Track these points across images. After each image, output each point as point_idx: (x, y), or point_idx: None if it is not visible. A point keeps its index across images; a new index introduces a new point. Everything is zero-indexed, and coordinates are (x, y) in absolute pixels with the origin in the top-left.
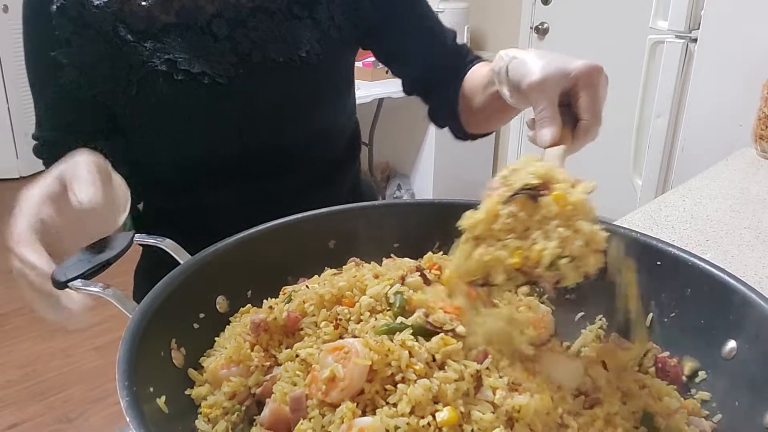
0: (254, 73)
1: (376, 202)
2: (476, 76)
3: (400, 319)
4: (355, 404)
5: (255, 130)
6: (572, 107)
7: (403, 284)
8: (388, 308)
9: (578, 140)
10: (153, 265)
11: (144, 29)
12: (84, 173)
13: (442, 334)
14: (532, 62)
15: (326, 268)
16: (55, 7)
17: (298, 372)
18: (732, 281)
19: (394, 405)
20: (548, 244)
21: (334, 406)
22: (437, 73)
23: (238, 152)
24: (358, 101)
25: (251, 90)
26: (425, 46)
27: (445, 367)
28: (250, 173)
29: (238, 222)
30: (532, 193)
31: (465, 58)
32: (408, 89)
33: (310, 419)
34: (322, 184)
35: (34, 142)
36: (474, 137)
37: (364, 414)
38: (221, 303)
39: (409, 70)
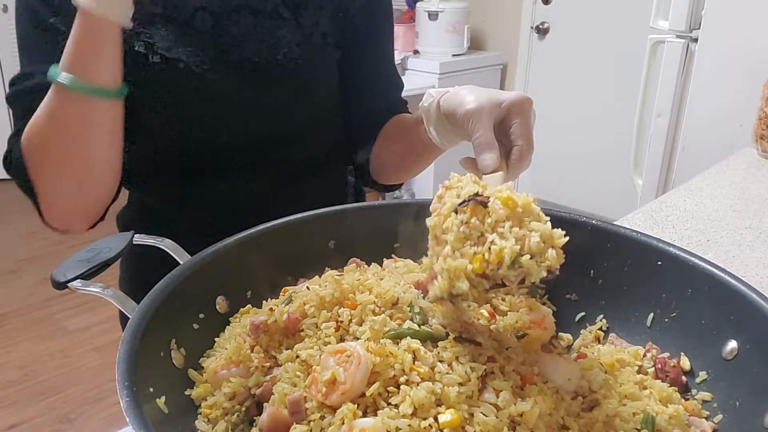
0: (230, 69)
1: (375, 202)
2: (399, 120)
3: (408, 323)
4: (356, 405)
5: (227, 125)
6: (503, 140)
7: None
8: (391, 311)
9: (513, 167)
10: (140, 260)
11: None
12: None
13: (449, 339)
14: (465, 94)
15: (326, 268)
16: None
17: (298, 373)
18: (733, 281)
19: (396, 406)
20: (506, 244)
21: (334, 409)
22: (372, 113)
23: (211, 144)
24: None
25: (225, 85)
26: (381, 84)
27: (451, 371)
28: (225, 166)
29: (216, 214)
30: (481, 199)
31: (397, 109)
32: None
33: (309, 422)
34: (299, 183)
35: (13, 87)
36: (381, 187)
37: (365, 415)
38: (221, 303)
39: (356, 99)
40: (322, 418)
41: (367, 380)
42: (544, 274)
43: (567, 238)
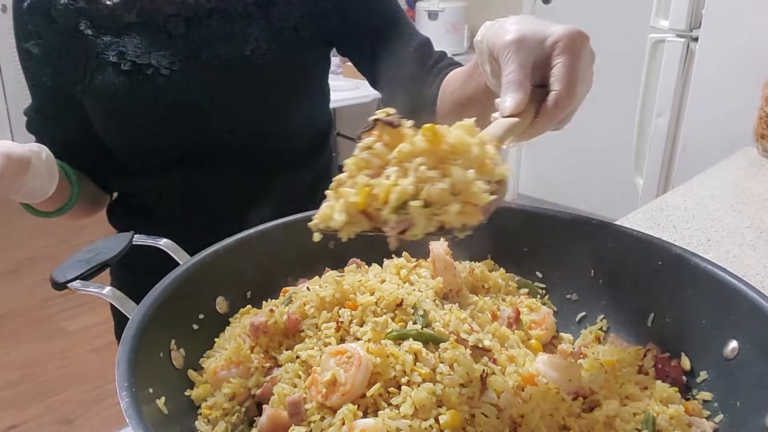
0: (198, 67)
1: None
2: (456, 73)
3: (410, 325)
4: (356, 406)
5: (198, 121)
6: (546, 87)
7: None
8: (394, 312)
9: (542, 118)
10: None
11: (106, 26)
12: None
13: (450, 341)
14: (510, 24)
15: (326, 268)
16: (25, 4)
17: (300, 373)
18: (733, 281)
19: (397, 407)
20: (401, 182)
21: (334, 410)
22: (403, 76)
23: (184, 140)
24: (358, 101)
25: (193, 83)
26: (392, 49)
27: (452, 372)
28: (201, 161)
29: (199, 208)
30: (388, 120)
31: (434, 63)
32: (384, 100)
33: (309, 423)
34: (277, 176)
35: (25, 118)
36: None
37: (365, 416)
38: (221, 304)
39: (377, 74)
40: (322, 419)
41: (368, 381)
42: (432, 230)
43: (493, 197)
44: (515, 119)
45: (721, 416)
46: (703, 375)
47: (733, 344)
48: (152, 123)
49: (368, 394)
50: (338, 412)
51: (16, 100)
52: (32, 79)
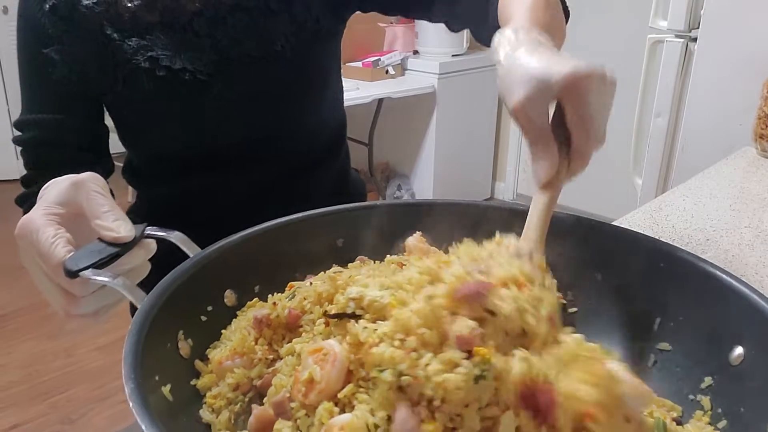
0: (232, 69)
1: (385, 201)
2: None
3: None
4: (334, 404)
5: (232, 123)
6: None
7: None
8: None
9: (574, 166)
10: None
11: (129, 28)
12: (103, 202)
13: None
14: (514, 73)
15: (334, 265)
16: (47, 6)
17: (297, 367)
18: (733, 282)
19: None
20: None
21: (315, 408)
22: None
23: (217, 144)
24: (358, 101)
25: (229, 85)
26: None
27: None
28: (229, 163)
29: (221, 209)
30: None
31: None
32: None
33: (296, 420)
34: (301, 177)
35: (18, 134)
36: None
37: (343, 412)
38: (229, 296)
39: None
40: (307, 416)
41: (343, 378)
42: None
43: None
44: (551, 193)
45: (724, 422)
46: (707, 381)
47: (739, 350)
48: (184, 127)
49: (340, 395)
50: (316, 411)
51: (16, 101)
52: (49, 88)
